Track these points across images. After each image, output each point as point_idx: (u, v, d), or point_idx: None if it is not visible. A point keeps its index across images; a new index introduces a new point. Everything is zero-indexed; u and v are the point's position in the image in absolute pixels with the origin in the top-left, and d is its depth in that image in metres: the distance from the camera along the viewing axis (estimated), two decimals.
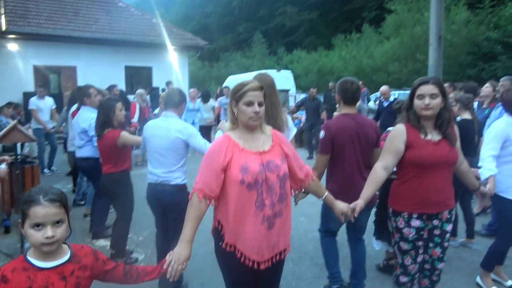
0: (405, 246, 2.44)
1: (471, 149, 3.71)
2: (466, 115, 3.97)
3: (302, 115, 10.74)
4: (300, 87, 27.24)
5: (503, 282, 3.36)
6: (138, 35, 14.46)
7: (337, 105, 3.21)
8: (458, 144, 2.43)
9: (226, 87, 11.23)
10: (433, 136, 2.33)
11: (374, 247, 3.59)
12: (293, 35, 42.09)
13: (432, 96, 2.25)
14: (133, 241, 4.25)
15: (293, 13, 40.08)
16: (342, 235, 3.27)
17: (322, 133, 2.87)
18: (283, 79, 16.55)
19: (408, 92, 2.50)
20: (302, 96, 16.62)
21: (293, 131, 2.83)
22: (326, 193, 2.22)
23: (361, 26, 29.70)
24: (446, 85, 7.00)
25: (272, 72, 17.00)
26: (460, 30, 19.74)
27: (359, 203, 2.28)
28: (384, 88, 8.05)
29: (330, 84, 12.51)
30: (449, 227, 2.45)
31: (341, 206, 2.22)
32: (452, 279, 3.45)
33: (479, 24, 19.69)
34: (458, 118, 4.12)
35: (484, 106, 5.19)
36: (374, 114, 8.24)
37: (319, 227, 3.23)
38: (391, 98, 7.90)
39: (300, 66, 31.66)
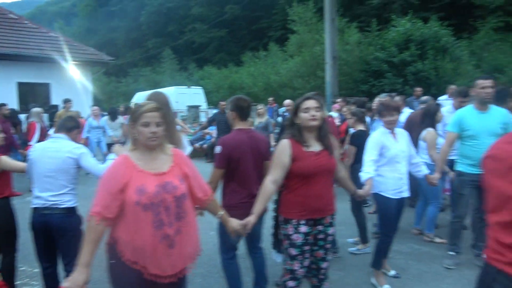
0: (293, 251, 2.61)
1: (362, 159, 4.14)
2: (361, 127, 4.50)
3: (213, 130, 10.88)
4: (212, 103, 27.47)
5: (386, 272, 3.78)
6: (33, 49, 13.32)
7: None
8: (336, 153, 2.71)
9: (135, 103, 10.96)
10: (315, 147, 2.58)
11: (275, 260, 3.53)
12: (203, 52, 42.49)
13: (316, 109, 2.51)
14: (27, 274, 3.90)
15: (203, 30, 40.53)
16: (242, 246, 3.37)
17: (218, 148, 2.99)
18: (194, 95, 16.61)
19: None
20: (214, 111, 16.81)
21: (188, 149, 2.90)
22: (222, 212, 2.35)
23: (268, 44, 31.19)
24: (340, 100, 7.74)
25: (183, 89, 16.96)
26: (353, 50, 21.86)
27: (251, 220, 2.44)
28: (287, 101, 8.63)
29: None
30: (331, 231, 2.71)
31: (233, 224, 2.36)
32: (345, 276, 3.81)
33: (369, 45, 22.05)
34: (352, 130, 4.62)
35: (376, 118, 5.85)
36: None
37: (220, 248, 3.20)
38: None
39: (211, 82, 31.96)
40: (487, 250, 1.50)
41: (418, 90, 9.09)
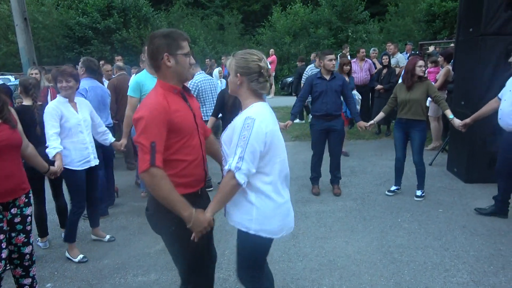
0: None
1: (33, 137, 3.33)
2: (27, 102, 3.61)
3: None
4: None
5: (102, 239, 3.85)
6: None
7: None
8: (19, 127, 2.49)
9: None
10: None
11: None
12: None
13: None
14: None
15: None
16: None
17: None
18: None
19: (7, 77, 2.30)
20: None
21: None
22: None
23: None
24: (36, 69, 6.86)
25: None
26: (51, 12, 19.71)
27: None
28: None
29: None
30: (28, 211, 2.50)
31: None
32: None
33: (68, 9, 20.39)
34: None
35: None
36: None
37: None
38: None
39: None
40: None
41: (118, 58, 9.49)
